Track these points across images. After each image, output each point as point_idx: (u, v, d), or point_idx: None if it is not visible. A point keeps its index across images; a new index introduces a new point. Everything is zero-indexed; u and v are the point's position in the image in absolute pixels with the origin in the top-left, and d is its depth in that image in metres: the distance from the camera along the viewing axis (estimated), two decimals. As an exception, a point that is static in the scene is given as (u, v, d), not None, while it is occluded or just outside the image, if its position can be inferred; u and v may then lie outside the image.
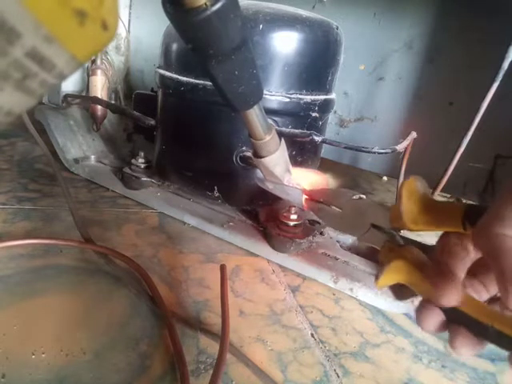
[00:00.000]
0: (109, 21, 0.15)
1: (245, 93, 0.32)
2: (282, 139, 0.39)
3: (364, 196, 0.31)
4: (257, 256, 0.56)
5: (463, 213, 0.22)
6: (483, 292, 0.25)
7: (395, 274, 0.26)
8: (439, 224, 0.24)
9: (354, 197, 0.31)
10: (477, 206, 0.23)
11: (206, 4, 0.25)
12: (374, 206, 0.29)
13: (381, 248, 0.28)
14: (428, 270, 0.24)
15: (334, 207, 0.32)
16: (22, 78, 0.13)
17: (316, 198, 0.35)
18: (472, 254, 0.23)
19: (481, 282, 0.25)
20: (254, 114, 0.34)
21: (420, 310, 0.24)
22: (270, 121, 0.37)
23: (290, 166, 0.40)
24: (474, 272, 0.25)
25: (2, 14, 0.11)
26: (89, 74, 0.82)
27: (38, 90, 0.15)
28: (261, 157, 0.38)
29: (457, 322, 0.23)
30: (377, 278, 0.26)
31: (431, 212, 0.24)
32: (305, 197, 0.37)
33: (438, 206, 0.24)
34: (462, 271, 0.23)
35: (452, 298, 0.22)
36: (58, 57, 0.14)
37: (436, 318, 0.24)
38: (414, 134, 0.62)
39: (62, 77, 0.16)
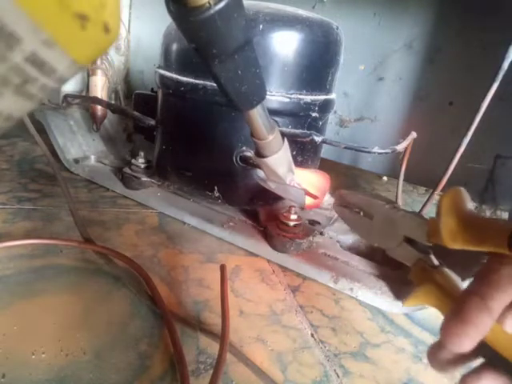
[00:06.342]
0: (111, 24, 0.15)
1: (248, 92, 0.32)
2: (285, 139, 0.38)
3: (398, 204, 0.29)
4: (257, 256, 0.56)
5: (510, 231, 0.20)
6: None
7: (424, 297, 0.24)
8: (481, 243, 0.21)
9: (387, 206, 0.29)
10: None
11: (209, 3, 0.24)
12: (409, 216, 0.27)
13: (412, 266, 0.26)
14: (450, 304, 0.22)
15: (364, 215, 0.30)
16: (21, 83, 0.13)
17: (319, 199, 0.34)
18: None
19: None
20: (258, 114, 0.34)
21: (433, 349, 0.22)
22: (272, 120, 0.37)
23: (293, 166, 0.40)
24: None
25: (1, 19, 0.11)
26: (89, 73, 0.82)
27: (37, 95, 0.14)
28: (263, 156, 0.37)
29: (481, 356, 0.21)
30: (405, 298, 0.24)
31: (473, 229, 0.22)
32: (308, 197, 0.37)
33: (481, 223, 0.21)
34: (500, 305, 0.20)
35: (462, 345, 0.20)
36: (59, 61, 0.14)
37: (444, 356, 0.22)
38: (413, 134, 0.62)
39: (63, 80, 0.15)
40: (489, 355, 0.21)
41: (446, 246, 0.23)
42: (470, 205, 0.23)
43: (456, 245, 0.22)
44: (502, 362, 0.20)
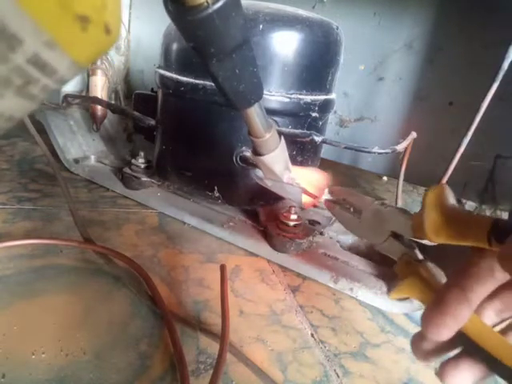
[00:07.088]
0: (111, 25, 0.15)
1: (245, 91, 0.32)
2: (282, 137, 0.39)
3: (387, 201, 0.30)
4: (257, 256, 0.56)
5: (490, 226, 0.20)
6: (506, 312, 0.22)
7: (408, 290, 0.25)
8: (462, 237, 0.22)
9: (376, 202, 0.30)
10: (506, 220, 0.21)
11: (207, 2, 0.24)
12: (396, 212, 0.28)
13: (398, 260, 0.27)
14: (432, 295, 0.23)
15: (353, 211, 0.31)
16: (23, 84, 0.13)
17: (317, 197, 0.34)
18: (499, 276, 0.21)
19: (502, 301, 0.22)
20: (255, 113, 0.34)
21: (416, 339, 0.23)
22: (269, 119, 0.37)
23: (290, 164, 0.40)
24: (496, 291, 0.22)
25: (3, 20, 0.11)
26: (89, 73, 0.82)
27: (39, 96, 0.15)
28: (260, 155, 0.38)
29: (460, 345, 0.22)
30: (390, 290, 0.25)
31: (455, 224, 0.22)
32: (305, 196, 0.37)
33: (463, 218, 0.22)
34: (478, 297, 0.21)
35: (441, 334, 0.21)
36: (60, 62, 0.14)
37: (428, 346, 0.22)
38: (413, 134, 0.62)
39: (64, 81, 0.15)
40: (467, 345, 0.21)
41: (430, 240, 0.23)
42: (453, 200, 0.23)
43: (439, 239, 0.23)
44: (478, 351, 0.21)
